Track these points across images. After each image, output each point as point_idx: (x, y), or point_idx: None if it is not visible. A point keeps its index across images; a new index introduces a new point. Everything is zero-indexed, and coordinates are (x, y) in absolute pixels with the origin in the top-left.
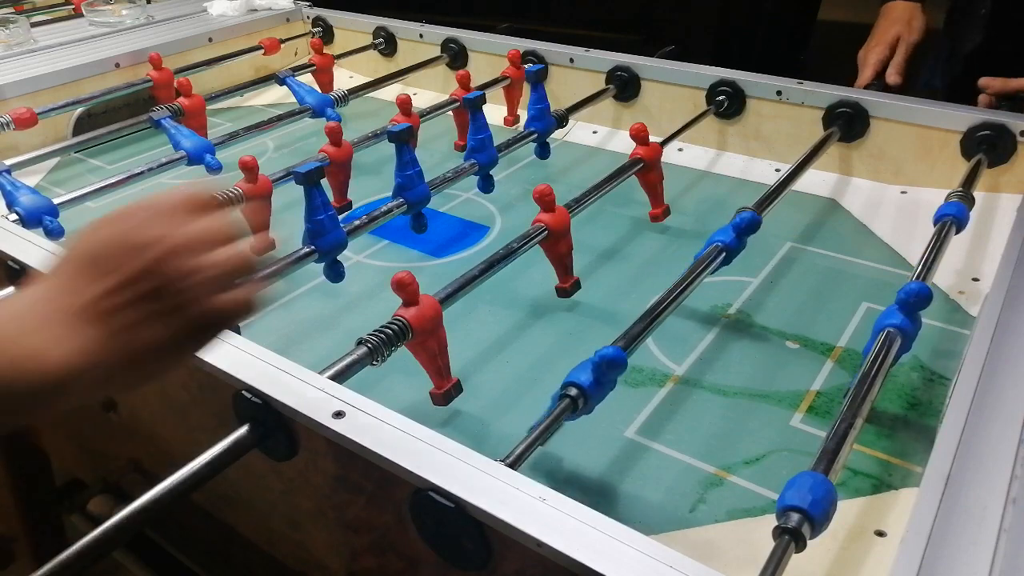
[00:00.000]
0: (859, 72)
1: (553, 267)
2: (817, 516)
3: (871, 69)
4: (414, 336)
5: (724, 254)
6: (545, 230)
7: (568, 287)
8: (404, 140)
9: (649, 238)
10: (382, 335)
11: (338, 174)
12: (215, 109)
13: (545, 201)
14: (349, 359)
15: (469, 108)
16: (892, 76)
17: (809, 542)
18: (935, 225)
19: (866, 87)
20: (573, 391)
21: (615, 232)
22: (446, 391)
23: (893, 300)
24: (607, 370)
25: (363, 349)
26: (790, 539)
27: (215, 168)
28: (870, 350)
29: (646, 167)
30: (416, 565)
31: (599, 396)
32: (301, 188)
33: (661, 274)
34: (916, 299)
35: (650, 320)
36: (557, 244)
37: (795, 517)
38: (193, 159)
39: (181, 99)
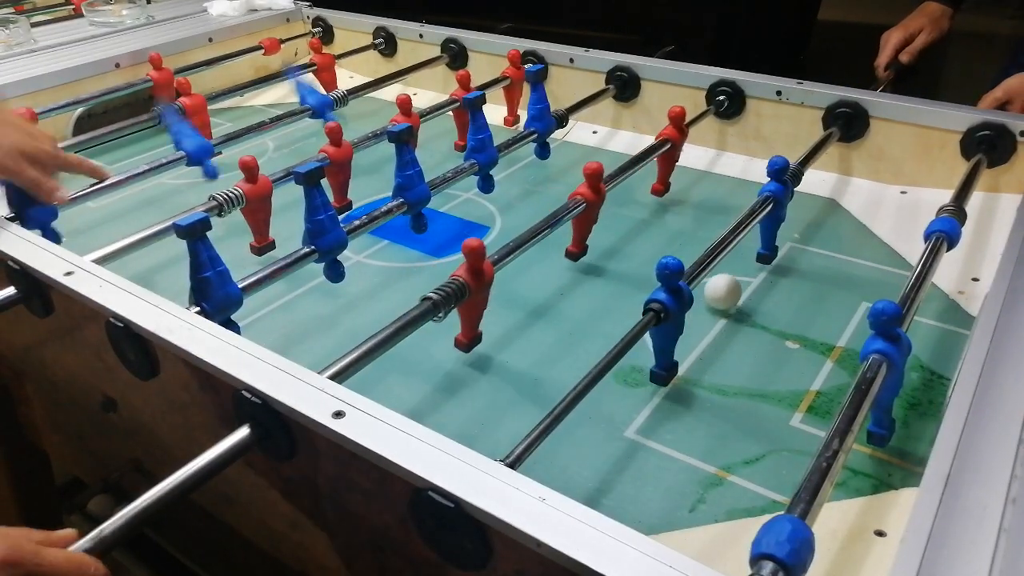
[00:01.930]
0: (880, 50)
1: (573, 232)
2: (794, 566)
3: (890, 49)
4: (471, 295)
5: (773, 204)
6: (584, 203)
7: (578, 251)
8: (404, 140)
9: (649, 238)
10: (445, 291)
11: (338, 174)
12: (215, 109)
13: (594, 178)
14: (349, 358)
15: (469, 108)
16: (905, 55)
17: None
18: (925, 241)
19: (885, 68)
20: (655, 306)
21: (615, 232)
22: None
23: (893, 300)
24: (671, 277)
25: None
26: None
27: (211, 175)
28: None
29: (674, 147)
30: (416, 565)
31: (679, 310)
32: (301, 188)
33: None
34: (887, 318)
35: (710, 257)
36: (590, 215)
37: (769, 566)
38: (193, 160)
39: (182, 98)
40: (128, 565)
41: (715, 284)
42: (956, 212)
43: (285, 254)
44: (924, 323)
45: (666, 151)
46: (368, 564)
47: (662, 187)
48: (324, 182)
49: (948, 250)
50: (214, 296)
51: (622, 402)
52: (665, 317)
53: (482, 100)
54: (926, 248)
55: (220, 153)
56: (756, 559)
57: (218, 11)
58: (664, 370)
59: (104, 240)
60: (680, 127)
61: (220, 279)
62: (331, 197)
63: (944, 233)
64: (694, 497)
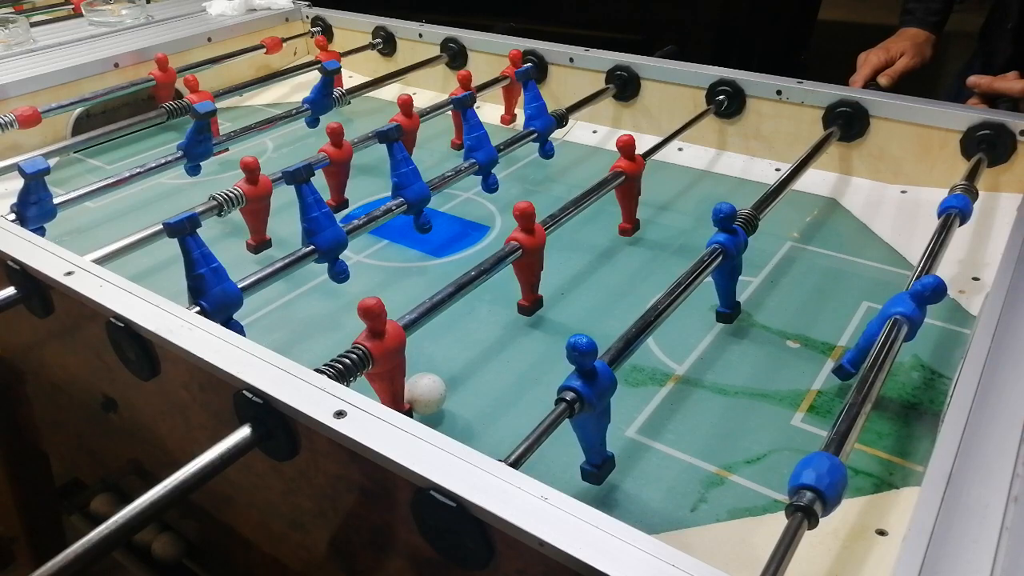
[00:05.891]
0: (856, 70)
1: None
2: (830, 496)
3: (868, 68)
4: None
5: (722, 256)
6: (519, 248)
7: (530, 304)
8: (393, 139)
9: (649, 238)
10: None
11: (337, 174)
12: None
13: (525, 218)
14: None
15: (459, 108)
16: (883, 77)
17: (810, 541)
18: (939, 218)
19: (862, 88)
20: (569, 395)
21: (615, 231)
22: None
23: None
24: (580, 358)
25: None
26: (803, 516)
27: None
28: (875, 337)
29: (628, 180)
30: (418, 565)
31: (596, 395)
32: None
33: (661, 274)
34: (932, 293)
35: (650, 320)
36: (530, 264)
37: (808, 495)
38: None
39: (191, 96)
40: (128, 565)
41: (423, 388)
42: (968, 189)
43: (285, 254)
44: (924, 322)
45: (621, 185)
46: (369, 564)
47: (629, 226)
48: (322, 181)
49: (960, 225)
50: (211, 293)
51: (623, 401)
52: (581, 407)
53: (471, 100)
54: (940, 224)
55: (227, 151)
56: (795, 491)
57: (217, 11)
58: (596, 467)
59: (104, 240)
60: (631, 156)
61: (215, 276)
62: (329, 197)
63: (958, 210)
64: (695, 496)
